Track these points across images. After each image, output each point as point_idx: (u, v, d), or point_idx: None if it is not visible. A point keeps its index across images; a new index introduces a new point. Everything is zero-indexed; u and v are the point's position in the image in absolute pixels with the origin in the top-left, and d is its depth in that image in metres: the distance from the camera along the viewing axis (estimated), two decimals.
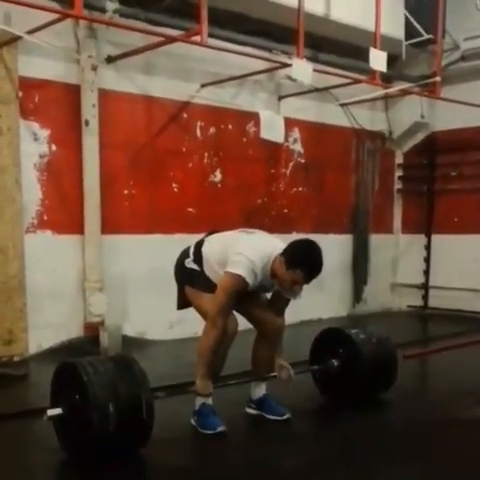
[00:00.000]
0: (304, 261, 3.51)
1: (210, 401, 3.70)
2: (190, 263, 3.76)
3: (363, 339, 4.24)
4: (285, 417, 3.86)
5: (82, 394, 3.12)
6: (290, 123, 7.10)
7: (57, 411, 3.23)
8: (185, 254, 3.81)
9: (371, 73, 6.52)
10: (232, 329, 3.63)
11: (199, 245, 3.79)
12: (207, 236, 3.85)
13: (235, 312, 3.72)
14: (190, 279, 3.77)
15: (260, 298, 3.89)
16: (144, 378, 3.26)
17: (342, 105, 7.77)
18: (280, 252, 3.56)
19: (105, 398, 3.08)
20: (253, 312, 3.86)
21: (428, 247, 8.52)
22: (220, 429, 3.59)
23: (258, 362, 3.95)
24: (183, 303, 3.87)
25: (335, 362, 4.18)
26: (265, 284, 3.67)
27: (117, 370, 3.24)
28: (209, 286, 3.63)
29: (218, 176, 6.80)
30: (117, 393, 3.12)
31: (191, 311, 3.83)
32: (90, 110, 5.71)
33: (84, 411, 3.10)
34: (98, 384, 3.11)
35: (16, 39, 5.15)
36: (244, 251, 3.52)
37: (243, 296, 3.65)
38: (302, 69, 5.76)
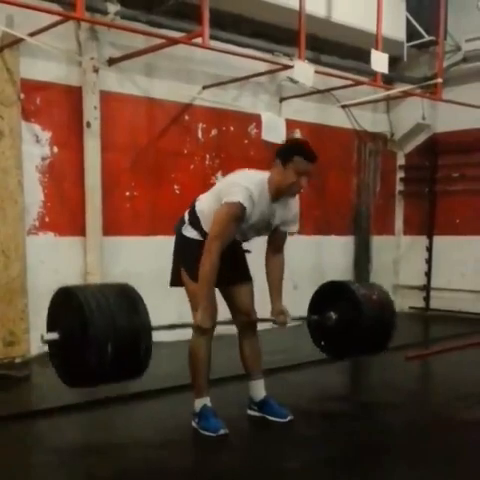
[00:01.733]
0: (296, 147, 3.62)
1: (209, 403, 3.69)
2: (187, 229, 3.71)
3: (364, 295, 4.20)
4: (287, 419, 3.85)
5: (81, 322, 3.06)
6: (292, 125, 7.10)
7: (54, 336, 3.20)
8: (181, 222, 3.77)
9: (373, 75, 6.53)
10: (208, 325, 3.59)
11: (192, 207, 3.75)
12: (196, 198, 3.83)
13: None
14: (186, 258, 3.70)
15: (246, 287, 3.86)
16: (145, 312, 3.20)
17: (344, 107, 7.77)
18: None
19: (104, 329, 3.02)
20: (235, 297, 3.83)
21: (430, 248, 8.52)
22: (222, 432, 3.58)
23: (248, 362, 3.94)
24: (176, 281, 3.82)
25: (333, 314, 4.15)
26: (267, 215, 3.62)
27: (119, 301, 3.18)
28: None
29: (220, 178, 6.79)
30: (116, 325, 3.06)
31: (191, 312, 3.82)
32: (92, 112, 5.72)
33: (81, 340, 3.05)
34: (98, 314, 3.04)
35: (18, 41, 5.16)
36: (238, 182, 3.52)
37: (232, 276, 3.69)
38: (304, 71, 5.77)
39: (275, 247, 3.85)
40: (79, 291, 3.17)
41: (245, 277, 3.89)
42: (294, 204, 3.79)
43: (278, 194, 3.60)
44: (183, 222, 3.75)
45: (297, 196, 3.78)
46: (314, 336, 4.36)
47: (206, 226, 3.61)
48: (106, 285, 3.61)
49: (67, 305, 3.19)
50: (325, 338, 4.28)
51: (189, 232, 3.71)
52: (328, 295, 4.29)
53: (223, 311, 3.83)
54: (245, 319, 3.87)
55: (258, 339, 3.95)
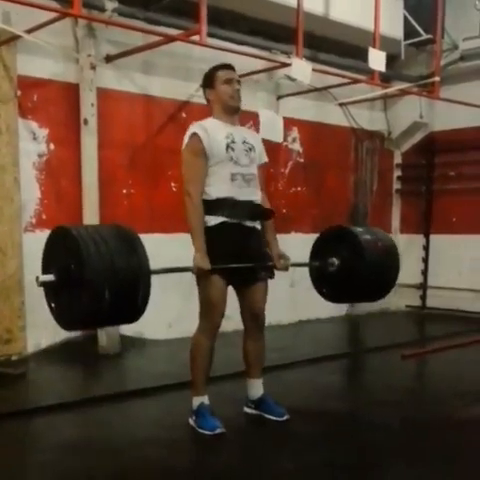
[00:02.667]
0: (210, 70, 3.80)
1: (207, 401, 3.70)
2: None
3: (368, 240, 4.13)
4: (284, 418, 3.85)
5: (77, 263, 3.00)
6: (289, 123, 7.10)
7: (49, 277, 3.15)
8: None
9: (370, 73, 6.53)
10: (218, 320, 3.62)
11: None
12: None
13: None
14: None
15: (262, 287, 3.80)
16: (143, 254, 3.15)
17: (341, 105, 7.77)
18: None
19: (101, 270, 2.97)
20: (248, 296, 3.78)
21: (426, 247, 8.53)
22: (218, 431, 3.58)
23: (249, 359, 3.92)
24: None
25: (336, 260, 4.10)
26: (235, 135, 3.68)
27: (117, 242, 3.12)
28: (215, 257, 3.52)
29: None
30: (114, 266, 3.00)
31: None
32: (89, 109, 5.70)
33: (78, 281, 2.99)
34: (95, 255, 2.98)
35: (15, 38, 5.14)
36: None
37: (252, 272, 3.67)
38: (301, 69, 5.77)
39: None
40: (75, 231, 3.08)
41: (264, 276, 3.80)
42: (257, 134, 4.03)
43: (227, 114, 3.73)
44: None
45: (256, 133, 3.98)
46: (316, 282, 4.29)
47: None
48: (104, 226, 3.52)
49: (63, 245, 3.12)
50: (327, 284, 4.21)
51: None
52: (330, 241, 4.21)
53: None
54: (254, 319, 3.83)
55: (264, 338, 3.92)
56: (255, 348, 3.90)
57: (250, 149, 3.73)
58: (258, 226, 3.78)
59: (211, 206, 3.60)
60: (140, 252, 3.14)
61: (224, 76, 3.71)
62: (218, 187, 3.60)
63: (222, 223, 3.59)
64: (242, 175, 3.65)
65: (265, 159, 3.91)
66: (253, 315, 3.83)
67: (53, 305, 3.24)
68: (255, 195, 3.74)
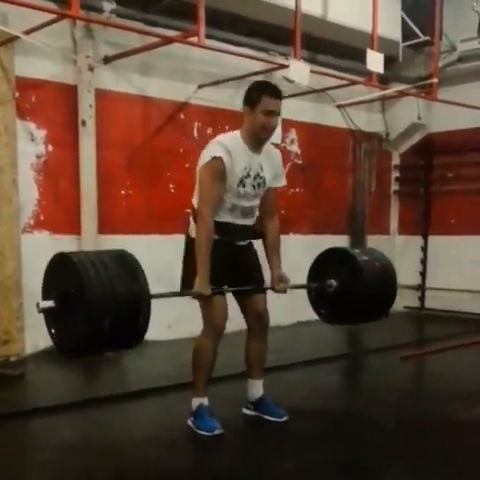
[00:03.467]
0: (260, 87, 3.60)
1: (206, 402, 3.69)
2: (192, 231, 3.65)
3: (365, 261, 4.14)
4: (284, 419, 3.85)
5: (77, 290, 3.00)
6: (287, 124, 7.10)
7: (49, 304, 3.15)
8: (188, 225, 3.74)
9: (368, 74, 6.53)
10: (220, 323, 3.60)
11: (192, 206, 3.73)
12: None
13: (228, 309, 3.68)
14: (190, 266, 3.62)
15: (260, 296, 3.83)
16: (143, 278, 3.15)
17: (339, 106, 7.78)
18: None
19: (101, 297, 2.96)
20: (249, 305, 3.80)
21: (425, 248, 8.53)
22: (217, 432, 3.58)
23: (251, 360, 3.92)
24: (188, 284, 3.67)
25: (334, 282, 4.11)
26: (255, 169, 3.61)
27: (117, 268, 3.11)
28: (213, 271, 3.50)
29: None
30: (114, 293, 3.00)
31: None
32: (87, 110, 5.71)
33: (78, 308, 2.99)
34: (95, 281, 2.98)
35: (13, 39, 5.14)
36: (209, 145, 3.58)
37: (247, 285, 3.67)
38: (299, 70, 5.77)
39: (268, 210, 3.82)
40: (76, 257, 3.09)
41: (259, 289, 3.83)
42: (277, 156, 3.80)
43: (254, 141, 3.60)
44: (189, 223, 3.73)
45: (279, 153, 3.81)
46: (314, 304, 4.29)
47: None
48: (104, 252, 3.50)
49: (63, 272, 3.12)
50: (325, 306, 4.21)
51: (194, 233, 3.63)
52: (328, 262, 4.21)
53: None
54: (259, 319, 3.84)
55: (267, 341, 3.91)
56: (258, 349, 3.90)
57: (259, 185, 3.69)
58: (251, 243, 3.83)
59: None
60: (140, 277, 3.15)
61: (268, 106, 3.53)
62: (217, 211, 3.59)
63: (216, 241, 3.57)
64: (242, 208, 3.65)
65: (282, 183, 3.85)
66: (258, 315, 3.83)
67: (53, 331, 3.25)
68: (251, 221, 3.78)
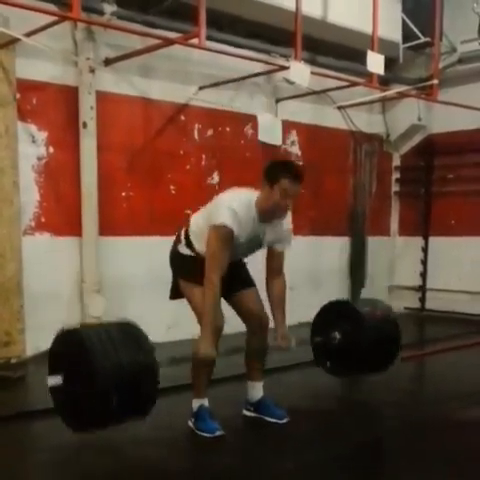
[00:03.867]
0: (282, 168, 3.55)
1: (207, 403, 3.70)
2: (183, 248, 3.73)
3: (367, 313, 4.19)
4: (284, 420, 3.86)
5: (85, 366, 3.03)
6: (288, 125, 7.12)
7: (57, 380, 3.17)
8: (177, 239, 3.79)
9: (368, 76, 6.53)
10: (219, 324, 3.60)
11: (187, 227, 3.77)
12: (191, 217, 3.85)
13: (223, 309, 3.69)
14: (183, 269, 3.74)
15: (250, 291, 3.86)
16: (149, 349, 3.18)
17: (339, 108, 7.78)
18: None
19: (109, 373, 2.99)
20: (241, 303, 3.83)
21: (425, 249, 8.54)
22: (218, 433, 3.59)
23: (251, 361, 3.93)
24: (176, 294, 3.84)
25: (337, 335, 4.13)
26: (256, 233, 3.62)
27: (123, 342, 3.13)
28: (202, 276, 3.54)
29: (216, 178, 6.81)
30: (121, 368, 3.03)
31: (188, 313, 3.82)
32: (88, 112, 5.71)
33: (85, 384, 3.02)
34: (102, 357, 3.01)
35: (14, 41, 5.15)
36: (223, 203, 3.52)
37: (237, 287, 3.71)
38: (300, 72, 5.77)
39: (274, 269, 3.82)
40: (83, 333, 3.13)
41: (247, 283, 3.87)
42: (285, 222, 3.75)
43: (265, 216, 3.60)
44: (179, 241, 3.78)
45: (288, 221, 3.77)
46: (319, 358, 4.35)
47: (198, 245, 3.65)
48: (111, 324, 3.54)
49: (70, 347, 3.17)
50: (330, 359, 4.25)
51: (184, 250, 3.74)
52: (330, 315, 4.29)
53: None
54: (257, 325, 3.84)
55: (267, 343, 3.91)
56: (258, 350, 3.90)
57: (255, 248, 3.75)
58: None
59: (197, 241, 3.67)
60: (146, 348, 3.19)
61: (287, 189, 3.50)
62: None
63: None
64: (233, 262, 3.65)
65: (286, 248, 3.81)
66: (254, 317, 3.84)
67: (61, 407, 3.27)
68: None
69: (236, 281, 3.79)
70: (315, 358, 4.34)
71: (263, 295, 3.87)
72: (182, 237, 3.77)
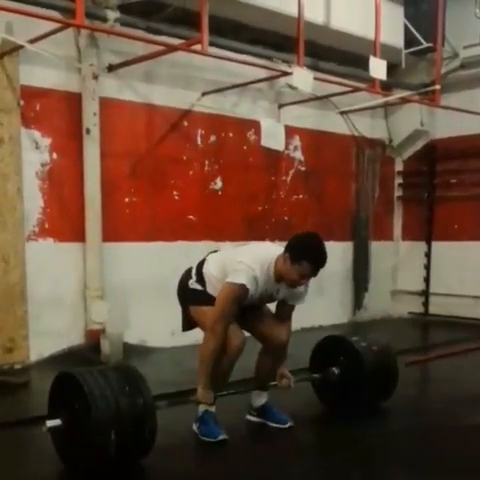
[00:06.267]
0: (308, 252, 3.51)
1: (213, 408, 3.70)
2: (193, 284, 3.75)
3: (364, 347, 4.23)
4: (288, 425, 3.86)
5: (83, 409, 3.07)
6: (290, 131, 7.12)
7: (56, 422, 3.19)
8: (188, 275, 3.81)
9: (371, 81, 6.55)
10: (239, 345, 3.59)
11: (200, 265, 3.78)
12: (207, 255, 3.86)
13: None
14: (193, 298, 3.76)
15: (264, 313, 3.88)
16: (147, 392, 3.21)
17: (342, 113, 7.79)
18: (282, 252, 3.56)
19: (107, 416, 3.03)
20: (258, 327, 3.84)
21: (428, 254, 8.53)
22: (221, 437, 3.59)
23: (261, 373, 3.95)
24: (188, 324, 3.86)
25: (335, 370, 4.18)
26: (269, 291, 3.66)
27: (121, 384, 3.17)
28: (212, 301, 3.59)
29: (219, 184, 6.82)
30: (119, 410, 3.07)
31: None
32: (91, 118, 5.73)
33: (84, 427, 3.05)
34: (100, 401, 3.05)
35: (18, 48, 5.17)
36: (243, 259, 3.52)
37: (248, 312, 3.69)
38: (303, 77, 5.78)
39: (281, 317, 3.84)
40: (80, 376, 3.15)
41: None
42: (299, 289, 3.75)
43: (281, 280, 3.61)
44: (190, 277, 3.78)
45: (303, 291, 3.80)
46: (320, 394, 4.36)
47: (210, 290, 3.67)
48: (108, 368, 3.57)
49: (68, 391, 3.19)
50: (331, 394, 4.27)
51: (194, 286, 3.75)
52: (327, 351, 4.31)
53: None
54: (278, 348, 3.85)
55: (283, 358, 3.91)
56: (271, 366, 3.90)
57: (266, 301, 3.79)
58: None
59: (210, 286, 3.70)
60: (144, 391, 3.20)
61: (308, 271, 3.51)
62: None
63: None
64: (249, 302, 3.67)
65: (299, 303, 3.82)
66: (277, 346, 3.84)
67: (61, 449, 3.29)
68: None
69: (258, 312, 3.84)
70: (316, 394, 4.38)
71: None
72: (193, 273, 3.78)
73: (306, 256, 3.48)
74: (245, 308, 3.66)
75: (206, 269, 3.73)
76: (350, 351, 4.20)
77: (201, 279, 3.73)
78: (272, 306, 3.90)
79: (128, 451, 3.16)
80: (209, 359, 3.55)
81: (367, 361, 4.13)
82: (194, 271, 3.79)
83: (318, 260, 3.51)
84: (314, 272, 3.54)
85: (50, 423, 3.20)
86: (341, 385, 4.15)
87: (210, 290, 3.68)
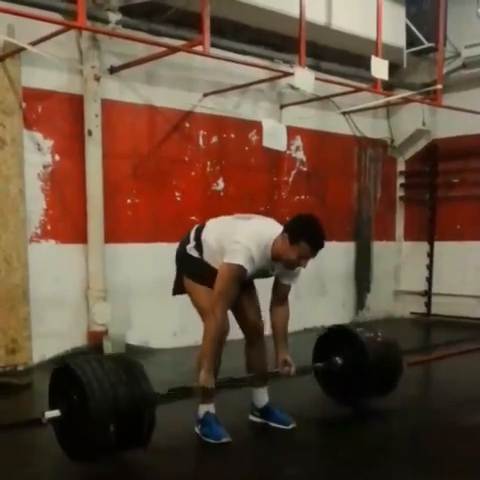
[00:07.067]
0: (308, 233, 3.52)
1: (213, 409, 3.70)
2: (191, 249, 3.73)
3: (368, 338, 4.20)
4: (290, 426, 3.86)
5: (81, 400, 3.07)
6: (292, 131, 7.12)
7: (55, 413, 3.20)
8: (186, 239, 3.79)
9: (373, 81, 6.55)
10: (224, 330, 3.62)
11: (199, 231, 3.77)
12: (208, 221, 3.85)
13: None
14: (189, 268, 3.75)
15: (249, 299, 3.88)
16: (146, 382, 3.20)
17: (344, 113, 7.80)
18: (280, 231, 3.57)
19: (105, 406, 3.03)
20: (239, 310, 3.85)
21: (431, 254, 8.53)
22: (224, 440, 3.59)
23: (251, 368, 3.94)
24: (179, 290, 3.84)
25: (339, 360, 4.15)
26: (266, 267, 3.64)
27: (119, 375, 3.17)
28: (207, 277, 3.58)
29: (221, 184, 6.82)
30: (117, 401, 3.06)
31: (194, 319, 3.83)
32: (93, 120, 5.74)
33: (83, 417, 3.06)
34: (98, 391, 3.04)
35: (20, 50, 5.19)
36: (241, 239, 3.51)
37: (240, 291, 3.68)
38: (304, 78, 5.78)
39: (278, 298, 3.85)
40: (78, 368, 3.15)
41: (247, 285, 3.87)
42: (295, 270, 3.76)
43: (278, 259, 3.61)
44: (188, 241, 3.77)
45: (298, 272, 3.79)
46: (322, 383, 4.35)
47: (207, 258, 3.67)
48: (107, 358, 3.58)
49: (67, 382, 3.19)
50: (334, 384, 4.26)
51: (192, 252, 3.74)
52: (331, 341, 4.30)
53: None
54: (253, 331, 3.88)
55: (265, 347, 3.95)
56: (257, 356, 3.93)
57: (262, 277, 3.77)
58: None
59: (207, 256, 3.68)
60: (143, 383, 3.20)
61: (307, 251, 3.51)
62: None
63: None
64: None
65: (291, 283, 3.82)
66: (253, 325, 3.87)
67: (62, 439, 3.30)
68: None
69: (250, 300, 3.86)
70: (319, 384, 4.37)
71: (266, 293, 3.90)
72: (192, 238, 3.77)
73: (305, 237, 3.49)
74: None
75: (205, 237, 3.72)
76: (354, 341, 4.16)
77: (199, 245, 3.71)
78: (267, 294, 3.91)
79: (127, 441, 3.15)
80: (211, 342, 3.53)
81: (371, 351, 4.10)
82: (193, 235, 3.77)
83: (317, 241, 3.53)
84: (313, 253, 3.54)
85: (49, 414, 3.20)
86: (344, 375, 4.12)
87: (207, 258, 3.67)
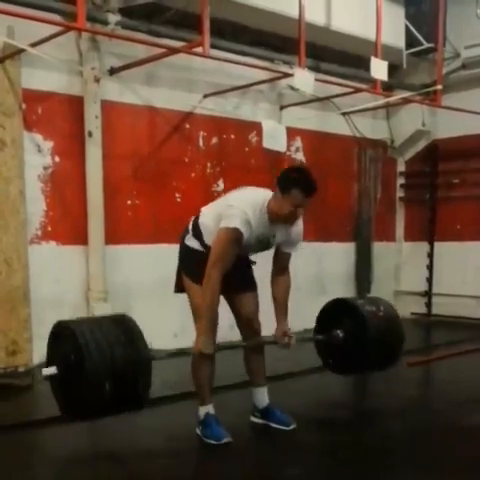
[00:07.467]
0: (296, 180, 3.52)
1: (213, 410, 3.70)
2: (190, 239, 3.73)
3: (370, 311, 4.19)
4: (291, 427, 3.86)
5: (77, 358, 3.08)
6: (292, 132, 7.13)
7: (52, 370, 3.21)
8: (186, 231, 3.79)
9: (372, 82, 6.56)
10: (219, 295, 3.59)
11: (195, 219, 3.77)
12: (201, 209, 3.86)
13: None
14: (188, 265, 3.75)
15: (249, 295, 3.88)
16: (143, 345, 3.21)
17: (344, 114, 7.80)
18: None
19: (101, 365, 3.04)
20: (237, 306, 3.86)
21: (431, 254, 8.53)
22: (225, 440, 3.59)
23: (250, 368, 3.96)
24: (180, 287, 3.84)
25: (340, 333, 4.14)
26: (266, 235, 3.64)
27: (116, 334, 3.18)
28: (203, 275, 3.55)
29: (221, 185, 6.83)
30: (114, 360, 3.08)
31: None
32: (93, 121, 5.75)
33: (79, 376, 3.07)
34: (95, 349, 3.06)
35: (19, 52, 5.19)
36: (235, 203, 3.52)
37: (235, 284, 3.69)
38: (304, 79, 5.79)
39: (279, 267, 3.84)
40: (75, 325, 3.17)
41: (250, 285, 3.89)
42: (296, 230, 3.78)
43: (276, 219, 3.61)
44: (187, 232, 3.78)
45: (300, 228, 3.81)
46: (322, 355, 4.35)
47: (208, 240, 3.64)
48: (104, 318, 3.59)
49: (64, 340, 3.21)
50: (333, 356, 4.26)
51: (191, 242, 3.74)
52: (333, 313, 4.28)
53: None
54: (248, 328, 3.89)
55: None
56: (255, 356, 3.93)
57: (264, 247, 3.76)
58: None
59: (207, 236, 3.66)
60: (139, 342, 3.21)
61: (299, 201, 3.52)
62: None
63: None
64: (239, 260, 3.65)
65: (293, 251, 3.83)
66: (247, 321, 3.87)
67: (58, 397, 3.31)
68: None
69: (238, 281, 3.78)
70: (318, 354, 4.35)
71: (267, 293, 3.89)
72: (190, 227, 3.77)
73: (295, 184, 3.50)
74: (240, 270, 3.72)
75: (201, 220, 3.72)
76: (355, 315, 4.16)
77: (198, 232, 3.70)
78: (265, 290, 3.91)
79: (122, 402, 3.16)
80: (208, 305, 3.50)
81: (372, 325, 4.09)
82: (190, 226, 3.77)
83: (307, 186, 3.53)
84: (305, 199, 3.54)
85: (46, 371, 3.21)
86: (345, 348, 4.12)
87: (207, 240, 3.64)
